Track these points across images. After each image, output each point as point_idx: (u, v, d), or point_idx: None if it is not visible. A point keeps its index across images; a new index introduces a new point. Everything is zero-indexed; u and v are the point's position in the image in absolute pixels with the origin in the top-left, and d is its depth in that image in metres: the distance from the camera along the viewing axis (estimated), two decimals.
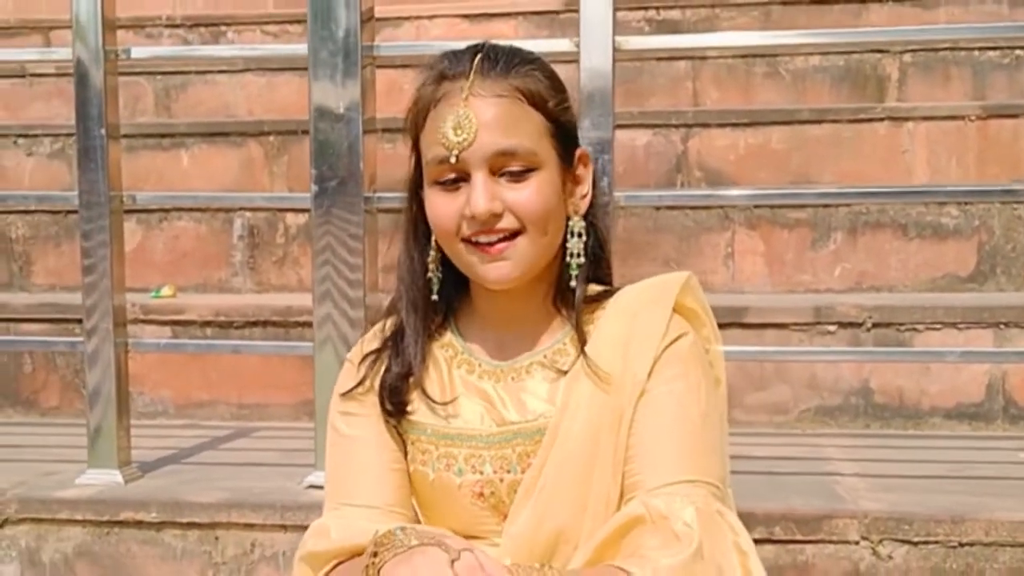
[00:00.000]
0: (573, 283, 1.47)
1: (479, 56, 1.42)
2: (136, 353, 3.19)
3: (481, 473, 1.45)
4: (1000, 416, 3.41)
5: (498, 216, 1.40)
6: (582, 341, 1.45)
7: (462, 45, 1.49)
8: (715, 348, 1.52)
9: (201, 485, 2.82)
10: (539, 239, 1.43)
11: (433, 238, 1.47)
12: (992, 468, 2.90)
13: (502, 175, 1.40)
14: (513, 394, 1.47)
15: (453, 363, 1.51)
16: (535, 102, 1.42)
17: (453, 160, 1.39)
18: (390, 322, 1.55)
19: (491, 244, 1.41)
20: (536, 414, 1.44)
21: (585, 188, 1.50)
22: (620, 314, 1.45)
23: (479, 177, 1.38)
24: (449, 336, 1.53)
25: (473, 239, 1.41)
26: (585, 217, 1.49)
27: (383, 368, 1.52)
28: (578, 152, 1.49)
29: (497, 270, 1.42)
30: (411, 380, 1.50)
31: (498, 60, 1.43)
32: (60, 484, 2.83)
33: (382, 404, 1.51)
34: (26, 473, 2.96)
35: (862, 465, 2.90)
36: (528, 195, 1.40)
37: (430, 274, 1.49)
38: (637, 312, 1.45)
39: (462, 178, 1.40)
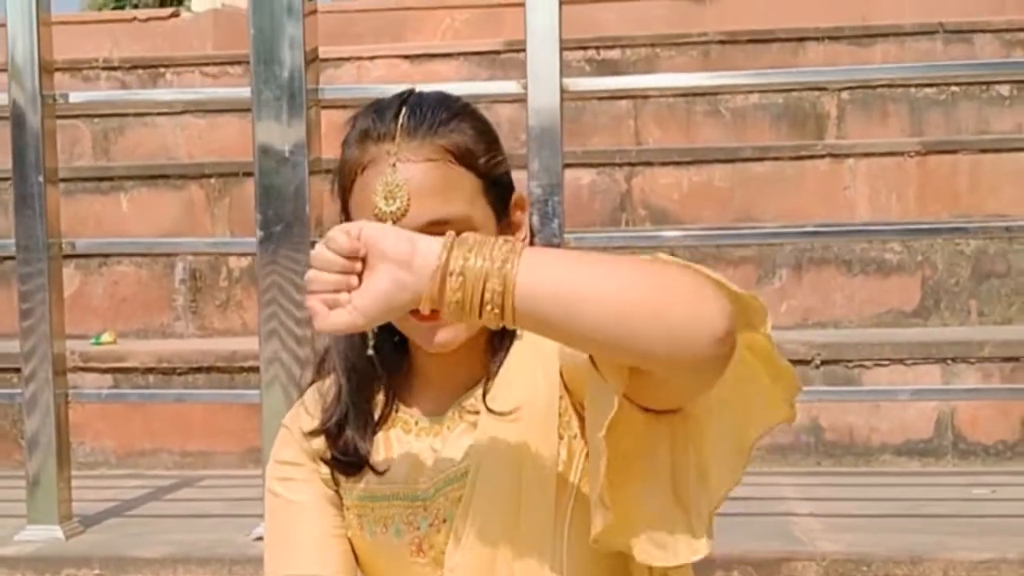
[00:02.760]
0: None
1: (404, 113, 1.35)
2: (77, 402, 3.12)
3: (418, 528, 1.41)
4: (950, 452, 3.43)
5: None
6: (487, 379, 1.41)
7: (400, 88, 1.44)
8: None
9: (145, 539, 2.75)
10: None
11: None
12: (946, 506, 2.90)
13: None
14: (450, 447, 1.42)
15: (389, 422, 1.45)
16: (466, 162, 1.35)
17: None
18: (327, 384, 1.48)
19: (426, 314, 1.29)
20: (466, 457, 1.39)
21: (523, 232, 1.42)
22: (530, 338, 1.37)
23: None
24: (384, 396, 1.46)
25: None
26: None
27: (336, 432, 1.44)
28: (514, 198, 1.42)
29: (440, 336, 1.35)
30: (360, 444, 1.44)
31: (424, 116, 1.35)
32: None
33: (339, 467, 1.44)
34: None
35: (816, 504, 2.89)
36: None
37: (368, 332, 1.38)
38: None
39: None
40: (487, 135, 1.40)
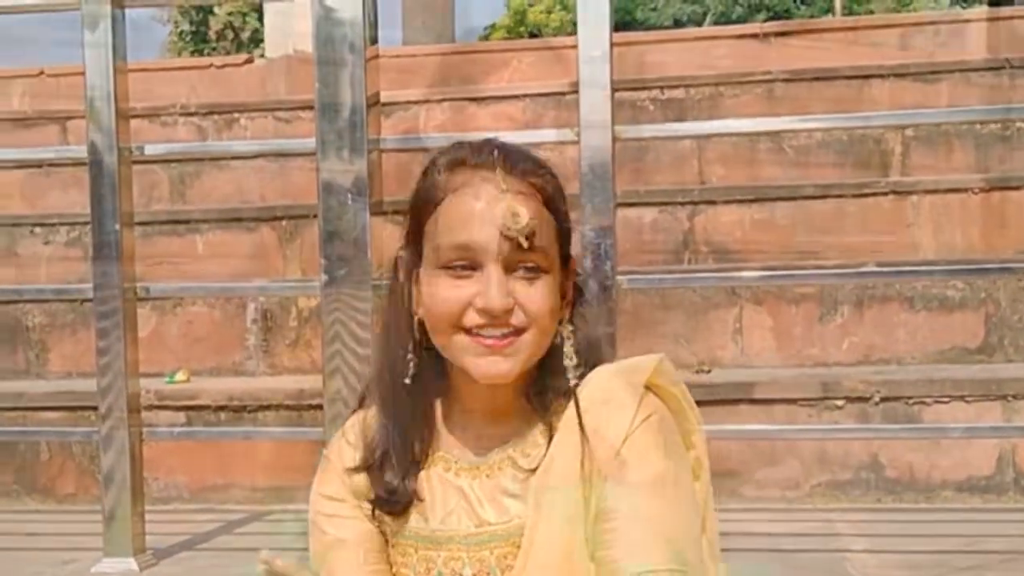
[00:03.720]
0: (573, 381, 1.42)
1: (499, 150, 1.41)
2: (151, 439, 3.22)
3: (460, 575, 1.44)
4: (1012, 488, 3.41)
5: (510, 312, 1.37)
6: (550, 437, 1.41)
7: (462, 136, 1.49)
8: (698, 432, 1.46)
9: (216, 571, 2.84)
10: (540, 339, 1.40)
11: (415, 323, 1.44)
12: (1004, 541, 2.89)
13: (515, 271, 1.38)
14: (488, 492, 1.43)
15: (430, 460, 1.46)
16: (550, 205, 1.41)
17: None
18: (370, 415, 1.51)
19: (496, 339, 1.38)
20: (512, 515, 1.41)
21: (570, 295, 1.46)
22: (588, 402, 1.41)
23: (496, 270, 1.36)
24: (425, 429, 1.47)
25: (477, 331, 1.38)
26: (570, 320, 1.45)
27: (380, 470, 1.46)
28: (574, 257, 1.47)
29: (496, 366, 1.38)
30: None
31: (518, 157, 1.42)
32: (76, 573, 2.84)
33: (383, 505, 1.46)
34: (43, 562, 2.98)
35: (873, 540, 2.90)
36: (539, 295, 1.38)
37: (409, 357, 1.44)
38: (606, 398, 1.41)
39: (473, 267, 1.37)
40: (562, 190, 1.46)
